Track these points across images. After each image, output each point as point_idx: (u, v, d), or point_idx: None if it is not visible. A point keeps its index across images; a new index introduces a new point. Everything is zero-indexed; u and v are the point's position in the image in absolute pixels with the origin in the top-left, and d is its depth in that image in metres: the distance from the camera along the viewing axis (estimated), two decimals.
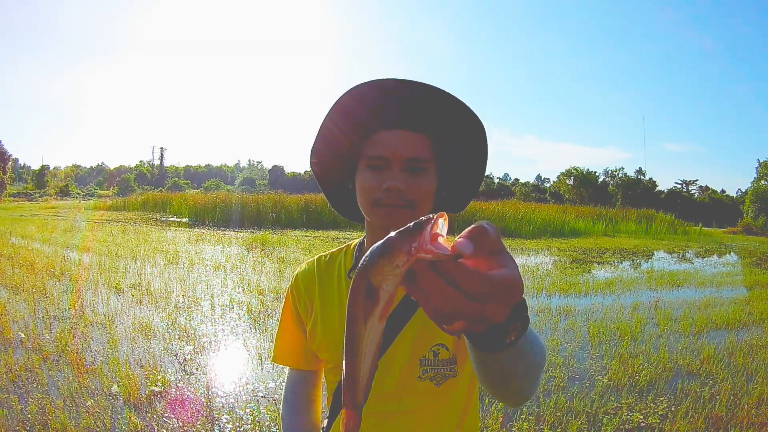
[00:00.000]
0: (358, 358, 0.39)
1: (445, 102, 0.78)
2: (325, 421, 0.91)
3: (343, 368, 0.40)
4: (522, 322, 0.45)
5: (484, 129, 0.80)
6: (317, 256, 0.93)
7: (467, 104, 0.78)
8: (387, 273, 0.35)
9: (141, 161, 75.54)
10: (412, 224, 0.35)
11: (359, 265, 0.37)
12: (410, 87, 0.78)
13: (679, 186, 43.46)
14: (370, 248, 0.37)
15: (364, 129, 0.79)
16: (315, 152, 0.84)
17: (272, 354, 0.98)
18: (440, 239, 0.36)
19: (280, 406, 0.97)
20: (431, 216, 0.36)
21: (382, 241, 0.36)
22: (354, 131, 0.79)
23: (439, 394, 0.80)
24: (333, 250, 0.94)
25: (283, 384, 0.97)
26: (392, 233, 0.36)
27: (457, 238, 0.36)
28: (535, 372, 0.55)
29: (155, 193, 28.15)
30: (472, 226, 0.37)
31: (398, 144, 0.76)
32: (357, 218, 0.87)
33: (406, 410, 0.81)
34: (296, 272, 0.93)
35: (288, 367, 0.98)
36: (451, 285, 0.35)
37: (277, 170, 61.27)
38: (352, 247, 0.92)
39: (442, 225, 0.37)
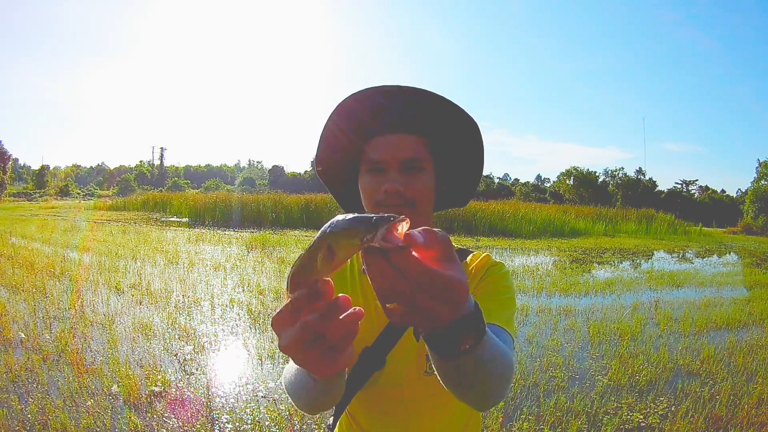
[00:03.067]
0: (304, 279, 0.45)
1: (437, 103, 0.81)
2: (331, 419, 0.91)
3: (292, 274, 0.47)
4: (477, 332, 0.47)
5: (476, 125, 0.83)
6: None
7: (458, 104, 0.81)
8: (343, 245, 0.40)
9: (141, 161, 75.60)
10: (375, 217, 0.39)
11: (324, 227, 0.43)
12: (402, 92, 0.81)
13: (679, 186, 43.45)
14: (337, 217, 0.42)
15: (363, 135, 0.82)
16: (319, 161, 0.87)
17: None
18: (395, 233, 0.40)
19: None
20: (394, 217, 0.40)
21: (348, 218, 0.41)
22: (353, 138, 0.83)
23: (446, 390, 0.80)
24: None
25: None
26: (358, 215, 0.41)
27: (408, 233, 0.40)
28: (497, 382, 0.56)
29: (155, 193, 28.17)
30: (424, 227, 0.41)
31: (394, 147, 0.79)
32: None
33: (413, 405, 0.82)
34: None
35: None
36: (395, 270, 0.39)
37: (277, 170, 61.24)
38: None
39: (402, 227, 0.40)
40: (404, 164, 0.79)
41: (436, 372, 0.56)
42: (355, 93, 0.82)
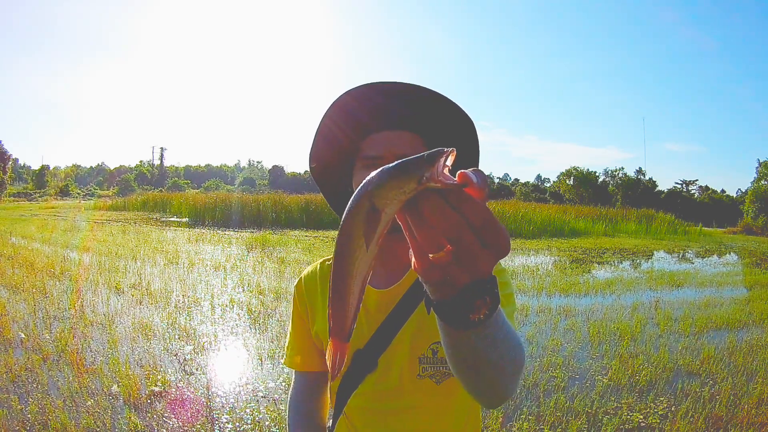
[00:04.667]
0: (348, 279, 0.38)
1: (434, 101, 0.81)
2: (330, 421, 0.91)
3: (330, 293, 0.40)
4: (492, 298, 0.43)
5: (473, 124, 0.83)
6: (321, 259, 0.95)
7: (455, 102, 0.81)
8: (393, 197, 0.35)
9: (141, 161, 75.54)
10: (426, 154, 0.36)
11: (362, 184, 0.36)
12: (400, 89, 0.81)
13: (679, 186, 43.46)
14: (378, 169, 0.36)
15: (360, 132, 0.82)
16: (313, 157, 0.87)
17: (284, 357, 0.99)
18: (446, 170, 0.36)
19: (286, 411, 0.96)
20: (444, 149, 0.36)
21: (393, 164, 0.36)
22: (350, 134, 0.82)
23: (439, 392, 0.80)
24: None
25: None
26: (403, 160, 0.36)
27: (462, 171, 0.37)
28: (509, 367, 0.54)
29: (155, 193, 28.17)
30: (472, 168, 0.37)
31: (391, 143, 0.79)
32: None
33: (408, 408, 0.81)
34: (301, 276, 0.95)
35: (294, 370, 0.97)
36: (456, 211, 0.35)
37: (277, 170, 61.25)
38: None
39: (449, 160, 0.37)
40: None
41: (448, 359, 0.53)
42: (353, 89, 0.81)
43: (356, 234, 0.36)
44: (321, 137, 0.84)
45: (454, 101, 0.80)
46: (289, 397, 0.96)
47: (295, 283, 0.95)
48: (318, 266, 0.93)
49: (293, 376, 0.97)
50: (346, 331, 0.42)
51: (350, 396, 0.83)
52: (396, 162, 0.36)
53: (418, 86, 0.80)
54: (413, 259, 0.40)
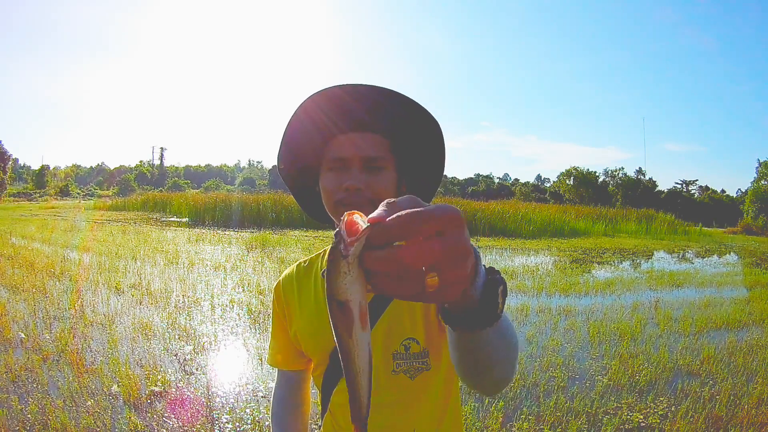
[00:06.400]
0: (354, 374, 0.41)
1: (401, 104, 0.82)
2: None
3: (346, 378, 0.42)
4: (504, 285, 0.45)
5: (439, 126, 0.84)
6: (298, 261, 0.97)
7: (423, 106, 0.82)
8: (343, 284, 0.36)
9: (141, 161, 75.54)
10: (334, 236, 0.36)
11: (326, 290, 0.38)
12: (367, 91, 0.81)
13: (679, 186, 43.49)
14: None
15: (324, 134, 0.82)
16: (281, 159, 0.88)
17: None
18: (358, 225, 0.36)
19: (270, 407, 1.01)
20: (341, 218, 0.37)
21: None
22: (314, 137, 0.83)
23: (414, 388, 0.82)
24: (312, 255, 0.97)
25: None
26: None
27: (370, 217, 0.36)
28: (514, 353, 0.56)
29: (155, 193, 28.16)
30: (385, 201, 0.37)
31: (356, 146, 0.80)
32: (328, 220, 0.89)
33: (384, 404, 0.83)
34: (279, 278, 0.97)
35: (277, 369, 1.01)
36: (389, 245, 0.34)
37: (277, 170, 61.17)
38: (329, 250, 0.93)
39: (358, 219, 0.37)
40: (366, 162, 0.79)
41: (456, 359, 0.54)
42: (319, 91, 0.81)
43: (344, 334, 0.39)
44: (287, 139, 0.85)
45: (419, 103, 0.81)
46: (272, 393, 1.00)
47: (274, 286, 0.97)
48: (295, 268, 0.95)
49: (276, 374, 1.01)
50: (361, 419, 0.44)
51: (331, 394, 0.86)
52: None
53: (384, 88, 0.81)
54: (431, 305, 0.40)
